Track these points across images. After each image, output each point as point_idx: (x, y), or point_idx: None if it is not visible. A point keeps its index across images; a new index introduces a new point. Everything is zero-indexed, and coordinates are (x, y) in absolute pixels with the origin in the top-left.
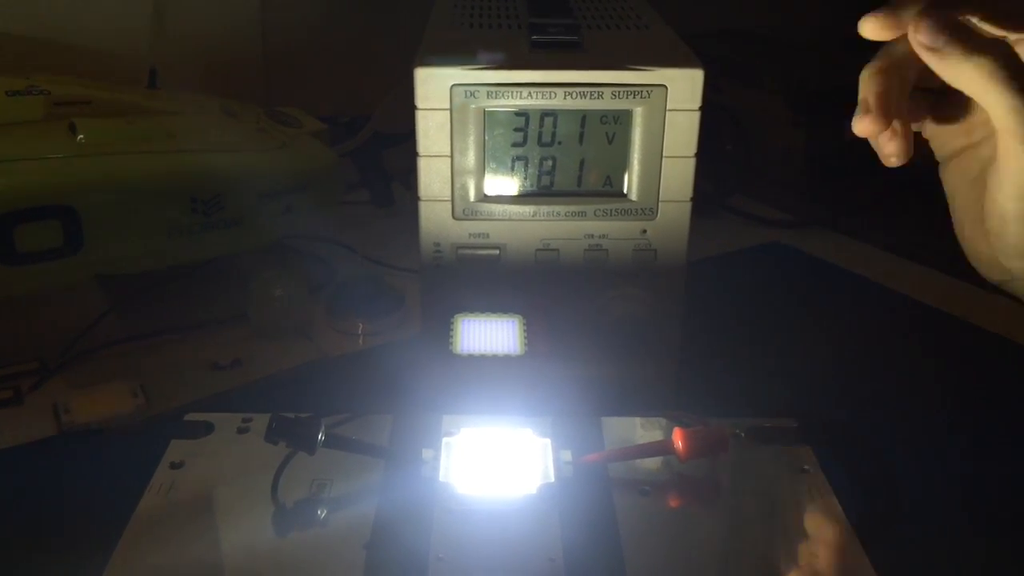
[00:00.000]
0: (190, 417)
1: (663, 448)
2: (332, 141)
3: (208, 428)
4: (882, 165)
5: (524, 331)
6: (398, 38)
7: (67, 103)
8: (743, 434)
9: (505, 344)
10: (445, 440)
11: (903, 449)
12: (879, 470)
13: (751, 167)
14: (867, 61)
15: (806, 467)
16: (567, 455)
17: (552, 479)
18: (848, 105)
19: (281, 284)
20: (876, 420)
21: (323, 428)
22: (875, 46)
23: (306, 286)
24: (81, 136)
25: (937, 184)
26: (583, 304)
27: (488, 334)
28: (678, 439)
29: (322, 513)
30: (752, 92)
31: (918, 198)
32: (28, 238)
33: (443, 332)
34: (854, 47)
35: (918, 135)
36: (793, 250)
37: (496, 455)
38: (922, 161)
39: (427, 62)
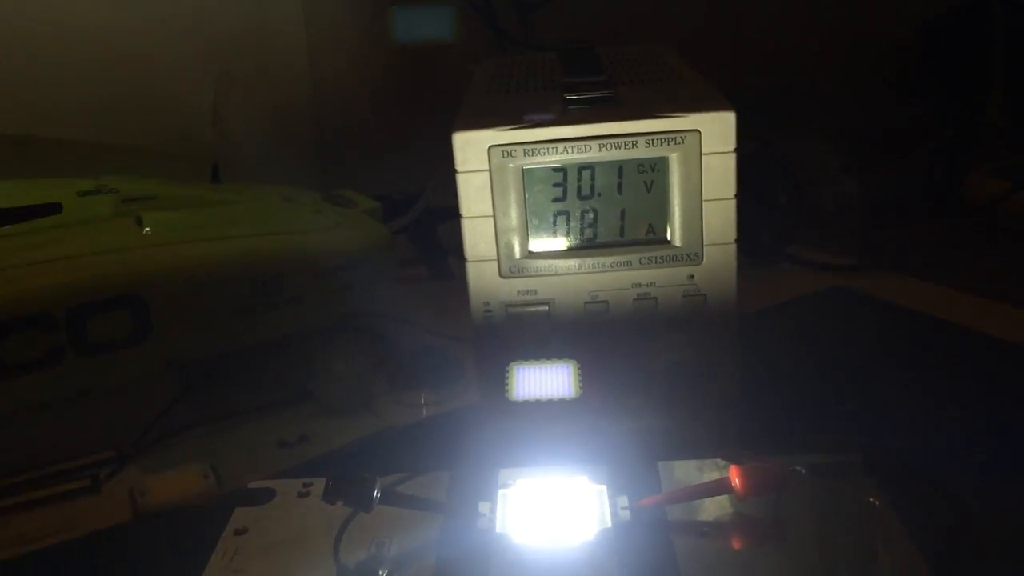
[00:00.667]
0: (253, 485)
1: (720, 487)
2: (386, 218)
3: (270, 495)
4: (936, 205)
5: (579, 375)
6: (445, 115)
7: (134, 199)
8: (804, 470)
9: (560, 388)
10: (501, 492)
11: (974, 484)
12: (950, 504)
13: (806, 216)
14: (911, 105)
15: (873, 500)
16: (623, 500)
17: (609, 525)
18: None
19: (343, 360)
20: (947, 455)
21: (379, 486)
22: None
23: (368, 361)
24: (147, 228)
25: (995, 219)
26: (636, 353)
27: (543, 379)
28: (735, 476)
29: (383, 573)
30: (801, 142)
31: (975, 235)
32: (100, 329)
33: (497, 388)
34: (898, 92)
35: None
36: (857, 293)
37: (552, 504)
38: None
39: (464, 126)
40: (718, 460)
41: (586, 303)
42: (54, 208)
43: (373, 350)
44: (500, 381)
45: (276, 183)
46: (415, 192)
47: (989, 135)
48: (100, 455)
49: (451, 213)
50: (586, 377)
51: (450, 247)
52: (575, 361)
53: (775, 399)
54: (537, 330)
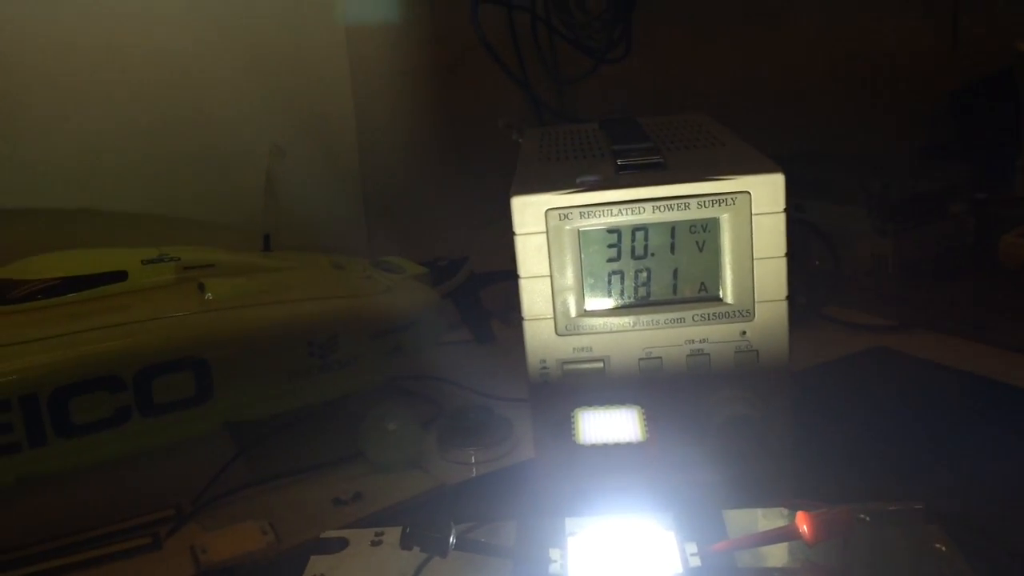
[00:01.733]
0: (326, 535)
1: (789, 533)
2: (433, 283)
3: (343, 544)
4: (970, 267)
5: (643, 419)
6: (487, 182)
7: (194, 267)
8: (868, 518)
9: (626, 432)
10: (570, 539)
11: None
12: (1013, 557)
13: (842, 278)
14: (942, 168)
15: (939, 546)
16: (692, 547)
17: (680, 570)
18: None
19: (393, 419)
20: (997, 508)
21: (454, 531)
22: (950, 156)
23: (417, 421)
24: (209, 294)
25: None
26: (690, 408)
27: (609, 424)
28: (803, 522)
29: None
30: (834, 207)
31: (1009, 295)
32: (164, 390)
33: (556, 443)
34: (930, 157)
35: None
36: (897, 352)
37: (622, 549)
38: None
39: (522, 190)
40: (781, 509)
41: (640, 360)
42: (120, 276)
43: (423, 410)
44: (557, 436)
45: (325, 251)
46: (460, 257)
47: (1020, 197)
48: (160, 513)
49: (493, 278)
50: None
51: (492, 310)
52: (639, 406)
53: (825, 454)
54: (592, 387)
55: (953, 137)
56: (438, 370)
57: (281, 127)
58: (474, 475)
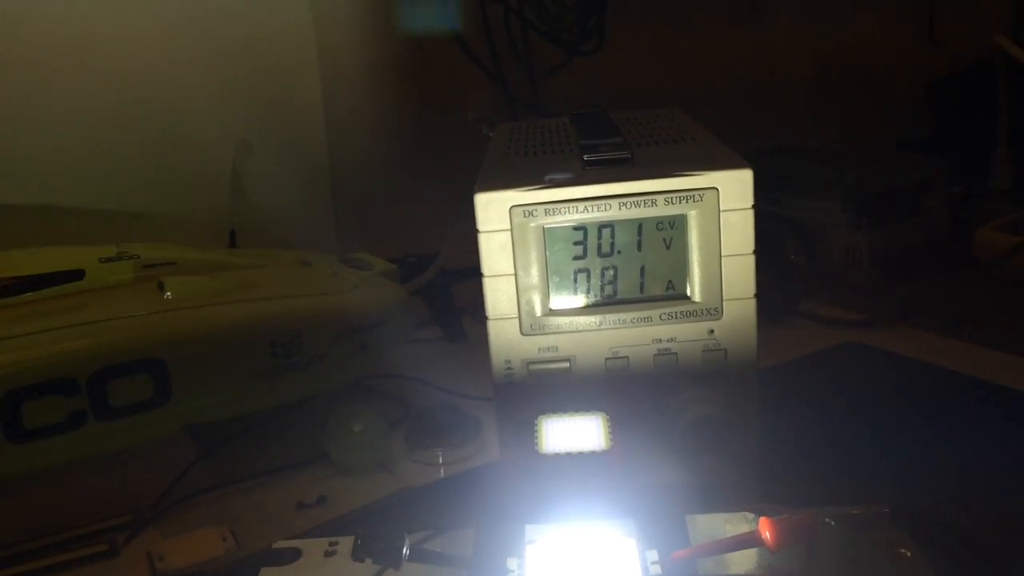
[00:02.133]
0: (278, 545)
1: (751, 540)
2: (402, 280)
3: (295, 554)
4: (946, 260)
5: (608, 427)
6: (459, 177)
7: (155, 265)
8: (833, 522)
9: (590, 441)
10: (529, 547)
11: (999, 536)
12: (980, 557)
13: (816, 273)
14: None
15: (904, 551)
16: (653, 554)
17: None
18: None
19: (359, 420)
20: (969, 507)
21: (407, 542)
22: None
23: (384, 421)
24: (168, 293)
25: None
26: (657, 409)
27: (573, 432)
28: (765, 529)
29: None
30: (810, 201)
31: (984, 288)
32: (121, 393)
33: (518, 445)
34: (906, 151)
35: None
36: (870, 348)
37: (581, 558)
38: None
39: (486, 187)
40: (746, 513)
41: (607, 359)
42: (77, 275)
43: (389, 410)
44: (521, 438)
45: (292, 247)
46: (429, 254)
47: (996, 191)
48: (118, 519)
49: (465, 274)
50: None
51: (464, 307)
52: (604, 413)
53: (794, 453)
54: (558, 387)
55: (929, 131)
56: (407, 369)
57: (248, 121)
58: (441, 476)
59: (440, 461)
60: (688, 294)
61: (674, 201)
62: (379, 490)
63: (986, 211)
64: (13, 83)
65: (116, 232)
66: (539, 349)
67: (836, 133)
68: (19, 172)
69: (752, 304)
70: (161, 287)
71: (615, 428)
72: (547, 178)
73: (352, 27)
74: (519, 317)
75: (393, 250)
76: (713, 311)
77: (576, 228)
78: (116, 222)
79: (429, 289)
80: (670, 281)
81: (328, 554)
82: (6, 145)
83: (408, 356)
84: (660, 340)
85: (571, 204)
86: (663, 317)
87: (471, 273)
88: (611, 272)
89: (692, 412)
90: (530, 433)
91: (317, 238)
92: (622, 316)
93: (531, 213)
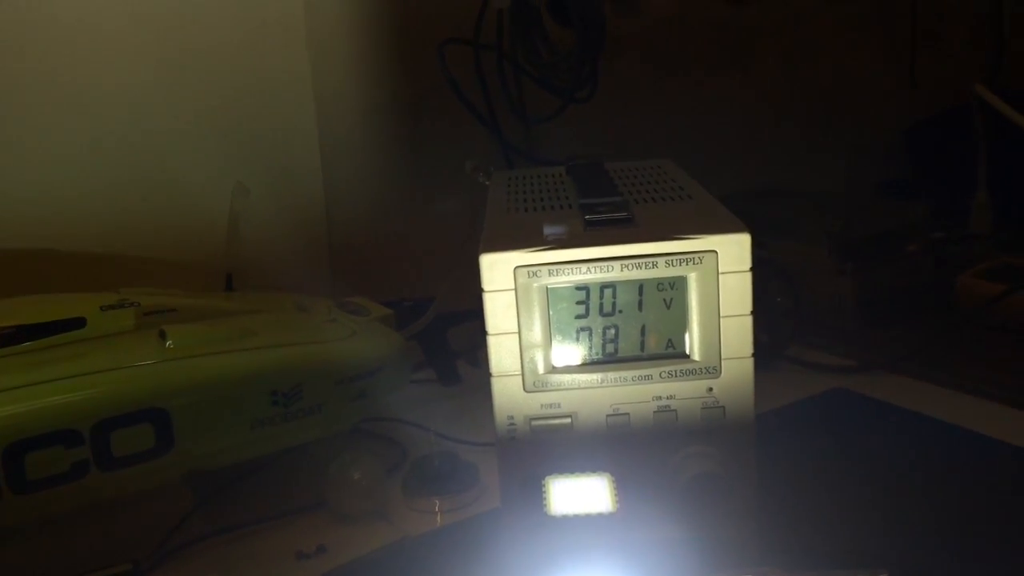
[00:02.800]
0: None
1: None
2: (398, 325)
3: None
4: (929, 306)
5: (614, 488)
6: (453, 224)
7: (155, 312)
8: None
9: (597, 502)
10: None
11: None
12: None
13: (803, 317)
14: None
15: None
16: None
17: None
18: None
19: (358, 468)
20: (964, 564)
21: None
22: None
23: (381, 468)
24: (170, 342)
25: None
26: (657, 465)
27: (579, 493)
28: None
29: None
30: (795, 245)
31: (967, 335)
32: (123, 442)
33: (523, 502)
34: (887, 194)
35: None
36: (857, 395)
37: None
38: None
39: (491, 248)
40: None
41: (608, 416)
42: (78, 323)
43: (387, 455)
44: (524, 493)
45: (288, 290)
46: (425, 298)
47: (975, 236)
48: (118, 567)
49: (460, 318)
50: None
51: (459, 351)
52: (609, 474)
53: (786, 505)
54: (560, 443)
55: (910, 175)
56: (403, 413)
57: (244, 165)
58: (439, 524)
59: (437, 509)
60: (687, 353)
61: (674, 263)
62: (377, 539)
63: (967, 256)
64: (15, 129)
65: (115, 277)
66: (541, 405)
67: (819, 174)
68: (22, 218)
69: (750, 363)
70: (162, 335)
71: (618, 485)
72: (548, 234)
73: (349, 71)
74: (522, 374)
75: (388, 293)
76: (712, 369)
77: (579, 288)
78: (117, 266)
79: (424, 333)
80: (670, 340)
81: None
82: (10, 191)
83: (404, 400)
84: (660, 397)
85: (574, 265)
86: (663, 375)
87: (465, 317)
88: (612, 331)
89: (691, 469)
90: (533, 488)
91: (312, 282)
92: (623, 374)
93: (535, 273)
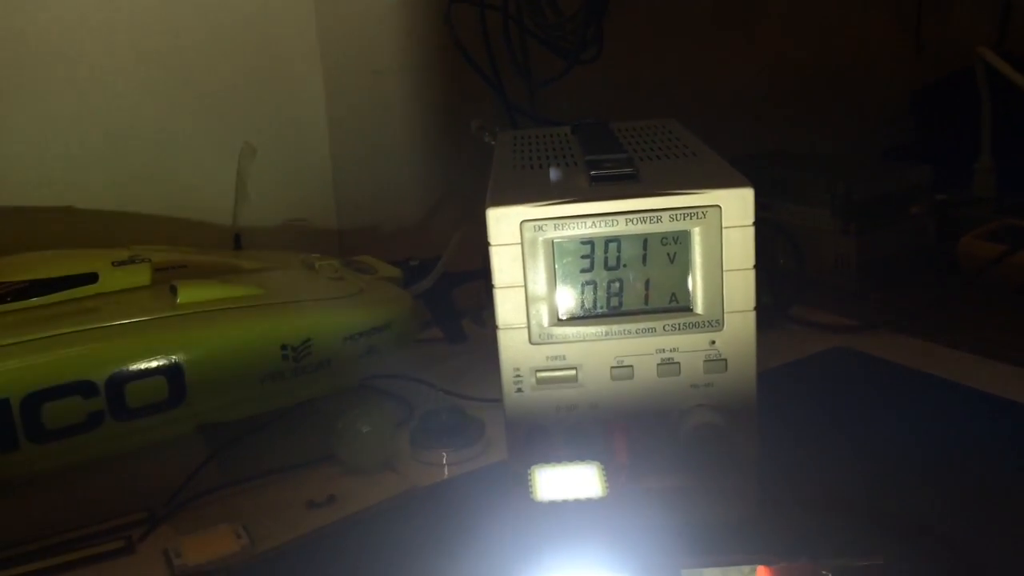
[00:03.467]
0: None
1: None
2: (404, 284)
3: None
4: (932, 267)
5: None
6: (460, 184)
7: (166, 268)
8: (830, 574)
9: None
10: None
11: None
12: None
13: (806, 278)
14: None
15: None
16: None
17: None
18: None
19: (367, 421)
20: (963, 525)
21: None
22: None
23: (390, 422)
24: (180, 297)
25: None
26: (660, 417)
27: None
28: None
29: None
30: (800, 207)
31: (968, 295)
32: (138, 394)
33: (529, 451)
34: (892, 158)
35: None
36: (860, 354)
37: None
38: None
39: (497, 202)
40: (742, 567)
41: (612, 368)
42: (91, 278)
43: (395, 410)
44: (530, 444)
45: (296, 249)
46: (431, 258)
47: (978, 199)
48: (132, 516)
49: (465, 277)
50: (616, 439)
51: (464, 310)
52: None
53: (790, 463)
54: (565, 395)
55: (915, 138)
56: (410, 370)
57: (252, 125)
58: (446, 476)
59: (445, 462)
60: (690, 306)
61: (678, 218)
62: (387, 490)
63: (970, 219)
64: (29, 83)
65: (124, 237)
66: (547, 358)
67: (825, 139)
68: (35, 175)
69: (752, 316)
70: (173, 290)
71: (623, 435)
72: (556, 193)
73: (356, 31)
74: (528, 327)
75: (395, 253)
76: (715, 323)
77: (584, 242)
78: (127, 223)
79: (430, 292)
80: (673, 294)
81: None
82: (24, 148)
83: (411, 358)
84: (663, 350)
85: (579, 219)
86: (666, 328)
87: (471, 276)
88: (617, 284)
89: (694, 420)
90: (539, 441)
91: (320, 241)
92: (627, 327)
93: (540, 228)
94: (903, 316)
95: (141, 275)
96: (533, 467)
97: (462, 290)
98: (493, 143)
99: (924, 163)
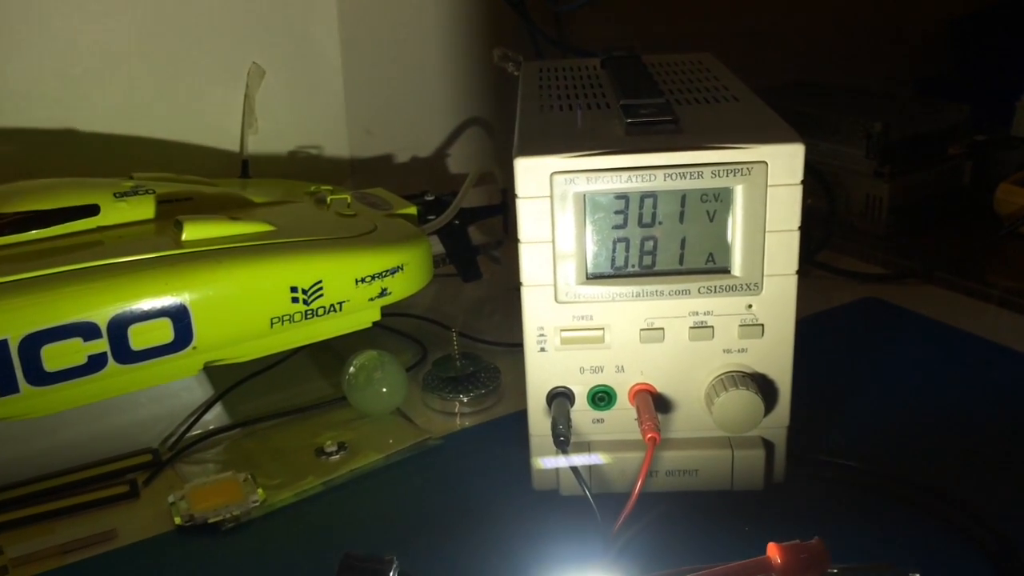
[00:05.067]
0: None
1: (760, 565)
2: (419, 219)
3: None
4: (967, 214)
5: None
6: (480, 113)
7: (171, 201)
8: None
9: None
10: None
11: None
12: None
13: (836, 220)
14: (941, 105)
15: None
16: None
17: None
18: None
19: (379, 366)
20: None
21: (396, 568)
22: (948, 95)
23: (402, 365)
24: (186, 234)
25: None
26: (691, 383)
27: None
28: (775, 554)
29: None
30: (832, 144)
31: (1009, 246)
32: (141, 336)
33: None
34: (925, 91)
35: None
36: (889, 305)
37: None
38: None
39: (526, 151)
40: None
41: (642, 330)
42: (91, 210)
43: (408, 352)
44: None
45: (305, 178)
46: (446, 192)
47: (1019, 139)
48: (136, 459)
49: (482, 213)
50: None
51: (479, 246)
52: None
53: (817, 419)
54: (591, 357)
55: (952, 71)
56: (424, 307)
57: (261, 45)
58: (458, 425)
59: (458, 410)
60: (728, 268)
61: (721, 174)
62: (399, 439)
63: (1009, 161)
64: (22, 4)
65: (128, 160)
66: (573, 317)
67: (855, 69)
68: (39, 97)
69: (793, 280)
70: (178, 226)
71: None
72: (589, 144)
73: None
74: (555, 285)
75: (409, 185)
76: (753, 286)
77: (618, 197)
78: (128, 149)
79: (445, 228)
80: (711, 254)
81: None
82: (11, 66)
83: (425, 294)
84: (697, 313)
85: (614, 173)
86: (701, 290)
87: (488, 212)
88: (651, 243)
89: (726, 384)
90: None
91: (331, 170)
92: (659, 287)
93: (572, 180)
94: (932, 265)
95: (144, 208)
96: None
97: (478, 226)
98: (517, 74)
99: (960, 98)
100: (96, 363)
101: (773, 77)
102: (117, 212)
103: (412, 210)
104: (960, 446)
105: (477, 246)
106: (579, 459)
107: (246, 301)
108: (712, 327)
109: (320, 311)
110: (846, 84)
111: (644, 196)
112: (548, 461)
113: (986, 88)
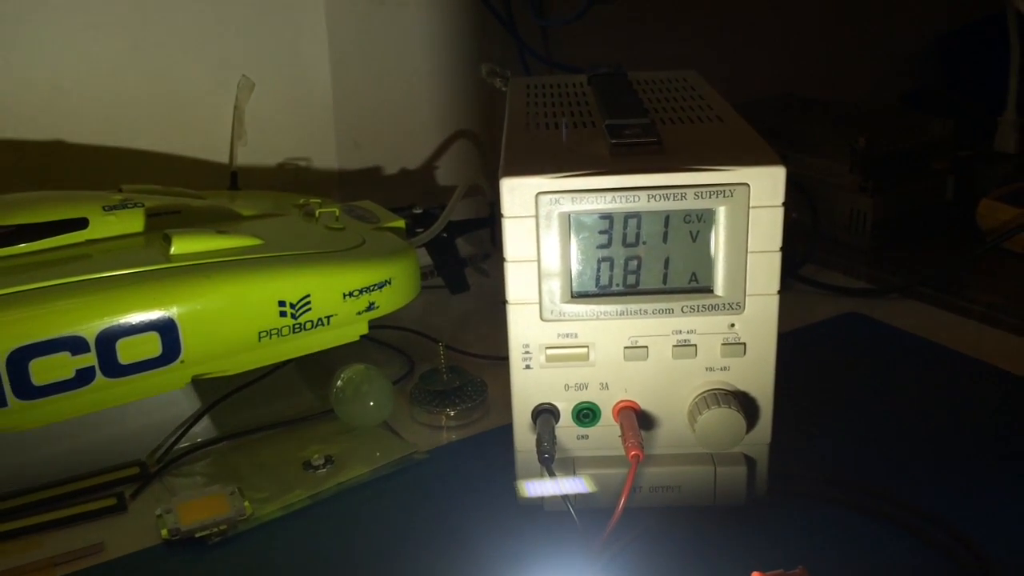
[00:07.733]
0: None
1: None
2: (408, 232)
3: None
4: (950, 226)
5: None
6: (468, 126)
7: (159, 214)
8: None
9: None
10: None
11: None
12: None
13: (819, 234)
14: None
15: None
16: None
17: None
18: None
19: (366, 380)
20: (966, 501)
21: None
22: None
23: (390, 378)
24: (175, 248)
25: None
26: (674, 400)
27: None
28: None
29: None
30: (815, 159)
31: (991, 261)
32: (130, 350)
33: (534, 431)
34: (914, 111)
35: None
36: (872, 321)
37: None
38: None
39: (512, 171)
40: None
41: (625, 348)
42: (80, 223)
43: (395, 365)
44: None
45: (294, 190)
46: (434, 205)
47: (1003, 157)
48: (124, 471)
49: (470, 226)
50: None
51: (466, 258)
52: None
53: (799, 435)
54: (575, 375)
55: (938, 86)
56: (412, 319)
57: (250, 57)
58: (445, 439)
59: (444, 424)
60: (711, 287)
61: (704, 195)
62: (386, 453)
63: (992, 176)
64: (12, 13)
65: (117, 172)
66: (558, 335)
67: (841, 82)
68: (21, 106)
69: (775, 300)
70: (167, 239)
71: (629, 421)
72: (574, 164)
73: None
74: (540, 302)
75: (397, 199)
76: (736, 305)
77: (602, 217)
78: (117, 161)
79: (433, 240)
80: (694, 274)
81: None
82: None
83: (412, 307)
84: (680, 331)
85: (599, 194)
86: (684, 309)
87: (476, 224)
88: (635, 262)
89: (709, 404)
90: (545, 421)
91: (319, 182)
92: (643, 306)
93: (557, 200)
94: (915, 279)
95: (134, 221)
96: None
97: (466, 238)
98: (504, 89)
99: (944, 113)
100: (84, 377)
101: (759, 91)
102: (106, 225)
103: (400, 223)
104: (941, 463)
105: (465, 258)
106: (563, 483)
107: (234, 315)
108: (695, 345)
109: (308, 325)
110: (831, 99)
111: (628, 216)
112: (532, 487)
113: (970, 103)
